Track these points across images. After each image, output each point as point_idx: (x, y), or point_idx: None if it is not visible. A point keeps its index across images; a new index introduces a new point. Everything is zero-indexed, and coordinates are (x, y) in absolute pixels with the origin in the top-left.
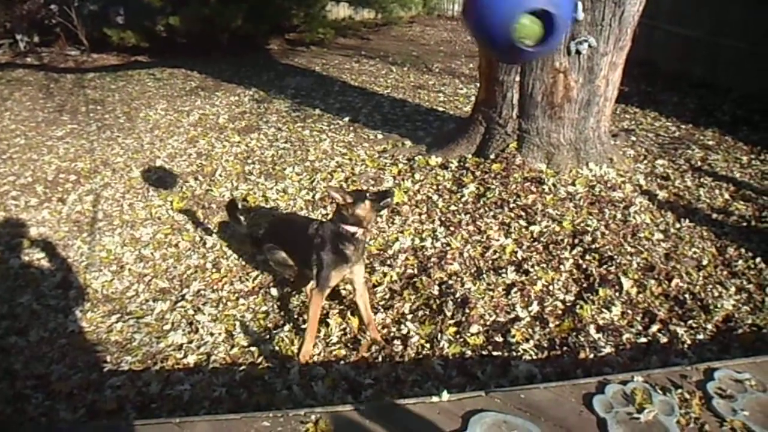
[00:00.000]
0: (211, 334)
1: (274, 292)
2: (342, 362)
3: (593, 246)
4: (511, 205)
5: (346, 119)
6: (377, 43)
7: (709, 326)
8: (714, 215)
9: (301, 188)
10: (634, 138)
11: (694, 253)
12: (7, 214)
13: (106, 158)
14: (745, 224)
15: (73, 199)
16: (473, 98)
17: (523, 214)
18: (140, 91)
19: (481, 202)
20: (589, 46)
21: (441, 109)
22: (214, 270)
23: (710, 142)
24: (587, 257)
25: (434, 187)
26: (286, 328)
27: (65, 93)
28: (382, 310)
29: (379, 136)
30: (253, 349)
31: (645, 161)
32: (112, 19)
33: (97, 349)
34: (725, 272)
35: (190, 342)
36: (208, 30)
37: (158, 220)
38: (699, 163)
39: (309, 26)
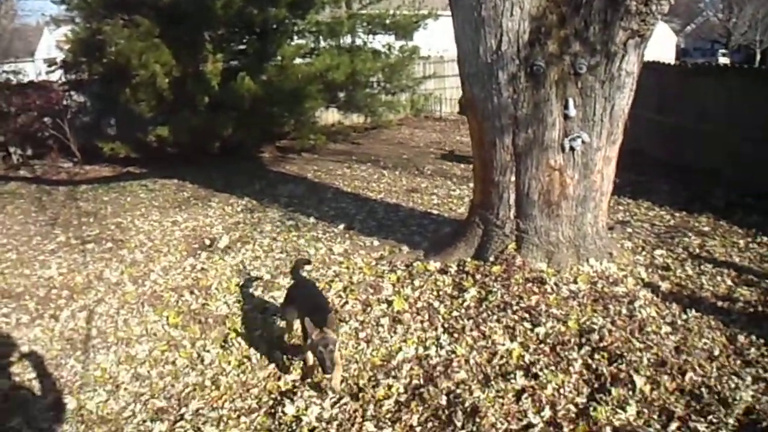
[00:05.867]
0: None
1: (277, 410)
2: None
3: (601, 344)
4: (515, 308)
5: (341, 226)
6: (368, 147)
7: (731, 420)
8: (719, 303)
9: None
10: (630, 230)
11: (705, 344)
12: None
13: (99, 273)
14: (752, 310)
15: (66, 315)
16: (467, 199)
17: (527, 316)
18: (133, 203)
19: (484, 306)
20: (583, 142)
21: (436, 212)
22: (213, 387)
23: (706, 228)
24: (596, 356)
25: (435, 293)
26: None
27: (58, 206)
28: (389, 424)
29: (376, 243)
30: None
31: (644, 252)
32: (104, 131)
33: None
34: (739, 362)
35: None
36: (199, 139)
37: (154, 337)
38: (697, 251)
39: (299, 133)
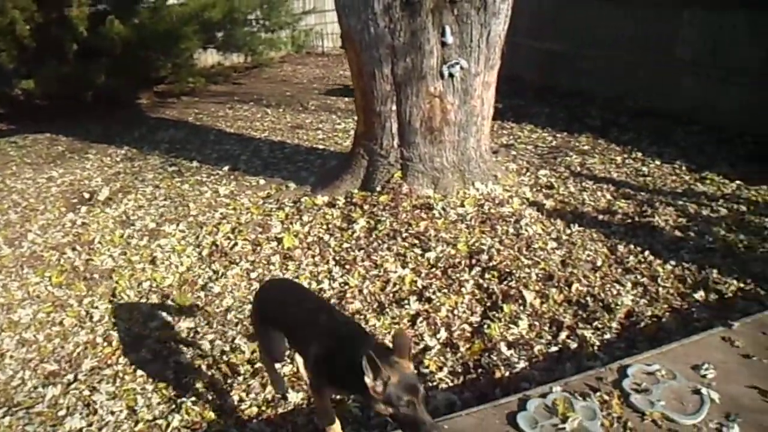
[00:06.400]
0: (112, 413)
1: (172, 359)
2: (256, 420)
3: (491, 264)
4: (404, 235)
5: (226, 168)
6: (250, 87)
7: (614, 324)
8: (600, 216)
9: (186, 245)
10: (514, 152)
11: (588, 255)
12: None
13: None
14: (629, 221)
15: None
16: (352, 132)
17: (417, 242)
18: (2, 162)
19: (374, 236)
20: (461, 68)
21: (321, 146)
22: (105, 344)
23: (585, 147)
24: (487, 276)
25: (324, 226)
26: (191, 395)
27: None
28: (287, 360)
29: (262, 182)
30: (159, 422)
31: (528, 173)
32: None
33: None
34: (619, 270)
35: (90, 425)
36: (70, 90)
37: (37, 299)
38: (578, 169)
39: (177, 76)
